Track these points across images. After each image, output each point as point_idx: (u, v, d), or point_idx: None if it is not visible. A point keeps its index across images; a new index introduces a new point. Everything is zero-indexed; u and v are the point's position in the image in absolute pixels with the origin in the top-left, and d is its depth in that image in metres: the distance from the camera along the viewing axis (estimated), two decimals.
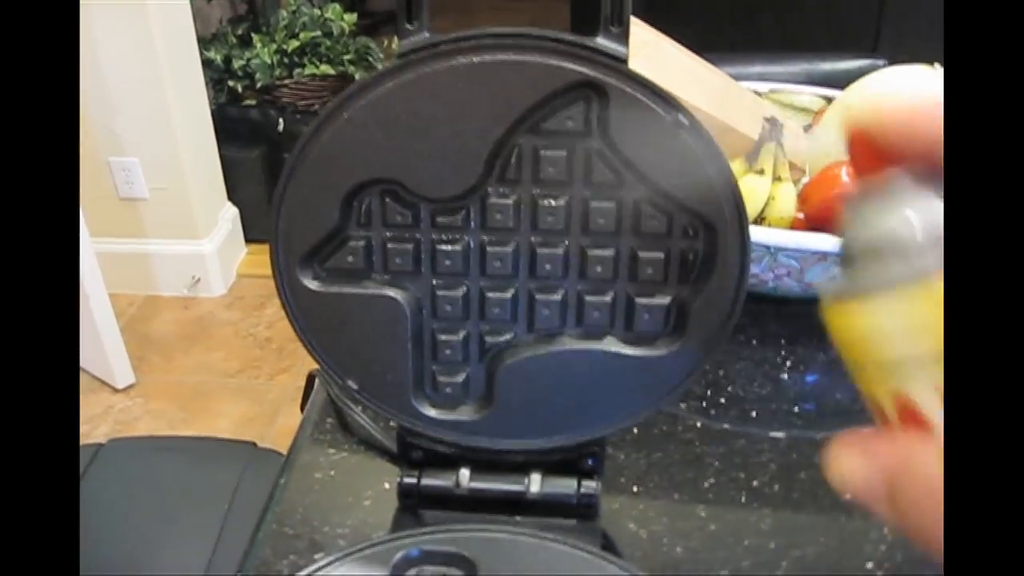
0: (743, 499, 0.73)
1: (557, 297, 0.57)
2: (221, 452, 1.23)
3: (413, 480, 0.62)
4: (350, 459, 0.75)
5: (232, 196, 2.70)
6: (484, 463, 0.62)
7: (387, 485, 0.71)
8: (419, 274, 0.58)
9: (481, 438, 0.61)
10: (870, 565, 0.67)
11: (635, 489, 0.73)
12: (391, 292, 0.57)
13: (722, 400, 0.83)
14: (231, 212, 2.70)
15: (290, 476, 0.74)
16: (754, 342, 0.91)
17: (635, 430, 0.79)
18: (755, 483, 0.74)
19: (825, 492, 0.74)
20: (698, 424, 0.80)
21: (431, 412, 0.61)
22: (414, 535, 0.59)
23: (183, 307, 2.57)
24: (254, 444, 1.22)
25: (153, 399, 2.25)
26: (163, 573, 1.02)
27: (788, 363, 0.89)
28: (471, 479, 0.62)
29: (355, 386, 0.60)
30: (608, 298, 0.57)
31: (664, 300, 0.56)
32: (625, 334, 0.58)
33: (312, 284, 0.57)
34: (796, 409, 0.83)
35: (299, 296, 0.57)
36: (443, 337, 0.59)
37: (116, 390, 2.27)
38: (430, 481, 0.62)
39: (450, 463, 0.62)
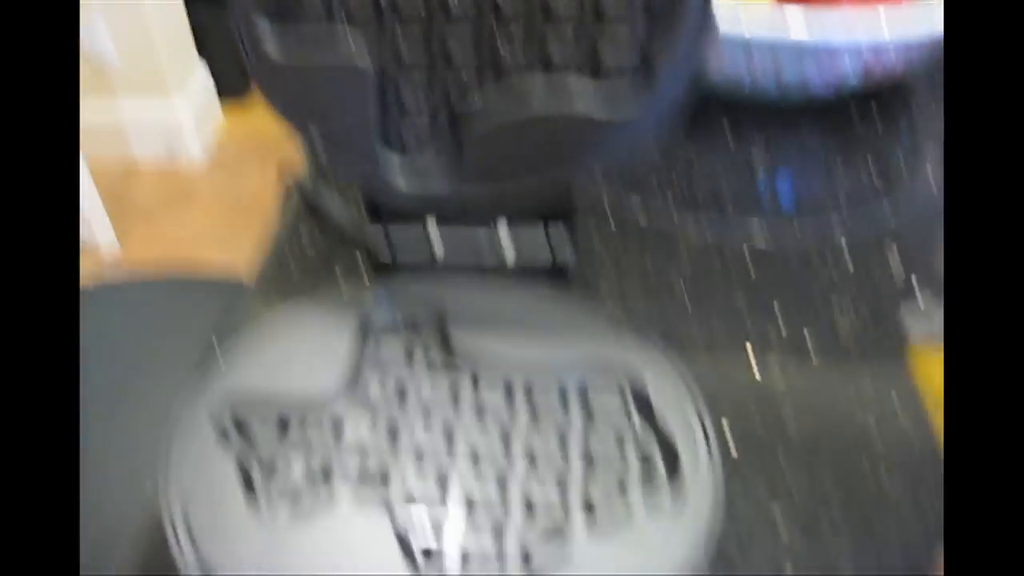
0: (719, 280, 0.73)
1: (520, 34, 0.55)
2: (208, 288, 1.22)
3: (380, 230, 0.62)
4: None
5: (203, 56, 2.63)
6: (448, 216, 0.62)
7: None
8: (380, 22, 0.56)
9: (451, 209, 0.60)
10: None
11: (612, 270, 0.72)
12: (357, 61, 0.55)
13: (696, 197, 0.82)
14: (203, 73, 2.64)
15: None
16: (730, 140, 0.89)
17: (609, 223, 0.77)
18: (733, 264, 0.74)
19: (799, 278, 0.73)
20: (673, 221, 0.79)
21: (400, 183, 0.59)
22: (384, 286, 0.58)
23: (163, 172, 2.53)
24: (242, 282, 1.21)
25: (138, 264, 2.23)
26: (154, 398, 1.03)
27: (764, 165, 0.87)
28: (438, 225, 0.61)
29: (325, 158, 0.58)
30: (571, 34, 0.55)
31: (630, 48, 0.54)
32: (593, 85, 0.56)
33: (277, 54, 0.54)
34: (770, 206, 0.82)
35: (264, 70, 0.55)
36: (408, 101, 0.57)
37: (99, 257, 2.25)
38: (396, 228, 0.62)
39: (416, 218, 0.62)
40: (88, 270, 2.21)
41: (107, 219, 2.23)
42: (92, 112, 2.43)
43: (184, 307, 1.19)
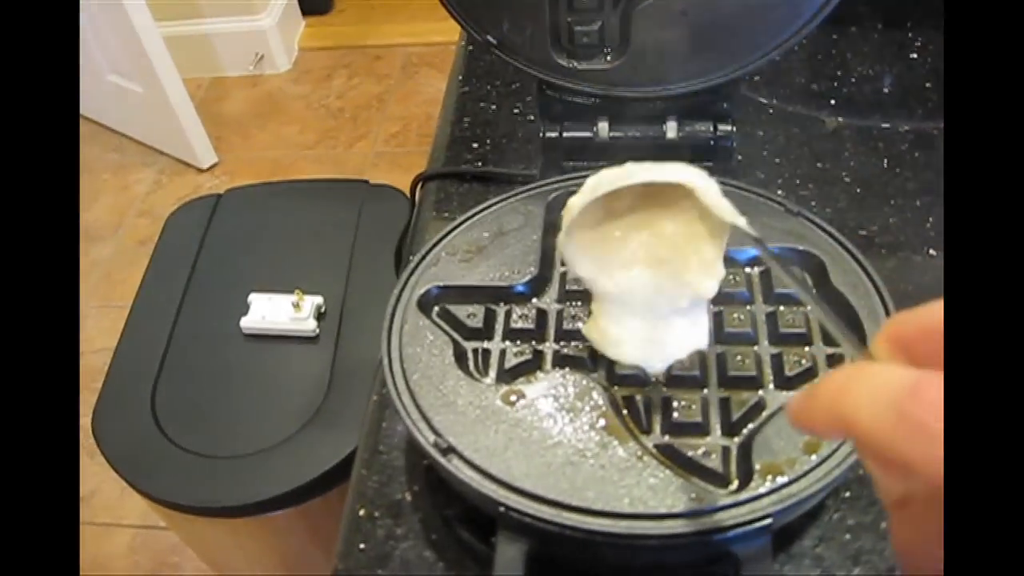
0: (885, 164, 0.75)
1: None
2: (336, 190, 1.27)
3: (555, 133, 0.65)
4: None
5: None
6: (621, 114, 0.65)
7: None
8: None
9: (619, 88, 0.63)
10: None
11: (777, 161, 0.75)
12: None
13: (850, 87, 0.83)
14: None
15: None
16: (879, 26, 0.89)
17: (770, 113, 0.79)
18: (898, 148, 0.76)
19: None
20: (826, 115, 0.80)
21: (569, 63, 0.62)
22: (564, 179, 0.62)
23: (251, 85, 2.58)
24: (366, 181, 1.26)
25: (237, 175, 2.30)
26: (310, 291, 1.09)
27: (916, 44, 0.87)
28: (610, 129, 0.65)
29: (494, 41, 0.61)
30: None
31: None
32: None
33: None
34: (928, 85, 0.83)
35: None
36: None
37: (201, 170, 2.33)
38: (571, 133, 0.65)
39: (589, 116, 0.65)
40: (192, 182, 2.29)
41: (204, 133, 2.30)
42: (182, 31, 2.47)
43: (318, 210, 1.24)
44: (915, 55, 0.85)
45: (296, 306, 1.07)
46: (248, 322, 1.08)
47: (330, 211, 1.22)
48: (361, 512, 0.56)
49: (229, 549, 1.14)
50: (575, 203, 0.48)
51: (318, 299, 1.09)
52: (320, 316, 1.09)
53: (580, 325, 0.54)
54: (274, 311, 1.08)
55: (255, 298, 1.10)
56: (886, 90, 0.83)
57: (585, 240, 0.50)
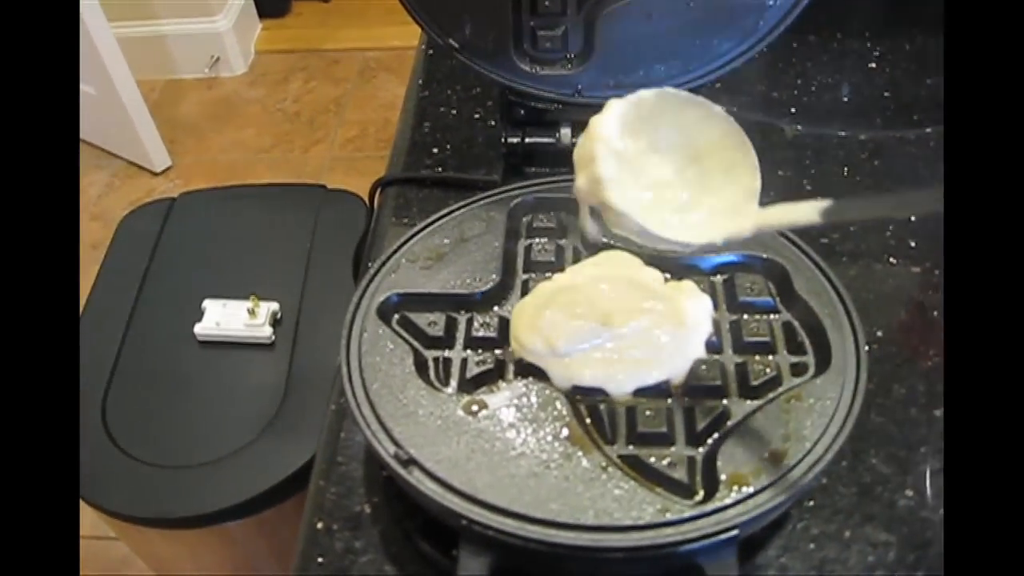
0: (844, 172, 0.75)
1: None
2: (292, 195, 1.25)
3: (517, 139, 0.64)
4: None
5: None
6: (584, 120, 0.64)
7: None
8: None
9: (582, 93, 0.62)
10: None
11: None
12: None
13: (810, 95, 0.83)
14: None
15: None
16: (838, 35, 0.90)
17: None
18: (858, 157, 0.76)
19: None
20: (787, 124, 0.80)
21: (532, 68, 0.62)
22: (526, 185, 0.61)
23: (206, 88, 2.54)
24: (323, 186, 1.24)
25: (192, 179, 2.27)
26: (266, 297, 1.07)
27: (875, 54, 0.87)
28: (572, 136, 0.64)
29: (456, 45, 0.60)
30: None
31: None
32: None
33: None
34: (886, 94, 0.83)
35: None
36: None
37: (155, 174, 2.29)
38: (533, 139, 0.64)
39: (551, 122, 0.64)
40: (145, 185, 2.25)
41: (158, 136, 2.26)
42: (137, 33, 2.43)
43: (275, 215, 1.22)
44: (873, 64, 0.86)
45: (251, 312, 1.05)
46: (202, 328, 1.06)
47: (286, 216, 1.20)
48: (319, 525, 0.54)
49: (182, 560, 1.11)
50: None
51: (274, 305, 1.07)
52: (276, 323, 1.07)
53: None
54: (229, 317, 1.06)
55: (209, 304, 1.07)
56: (845, 99, 0.83)
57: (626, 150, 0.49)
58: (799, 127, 0.81)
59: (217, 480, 0.95)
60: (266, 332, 1.05)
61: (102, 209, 2.19)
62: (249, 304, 1.05)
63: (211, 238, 1.20)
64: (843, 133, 0.79)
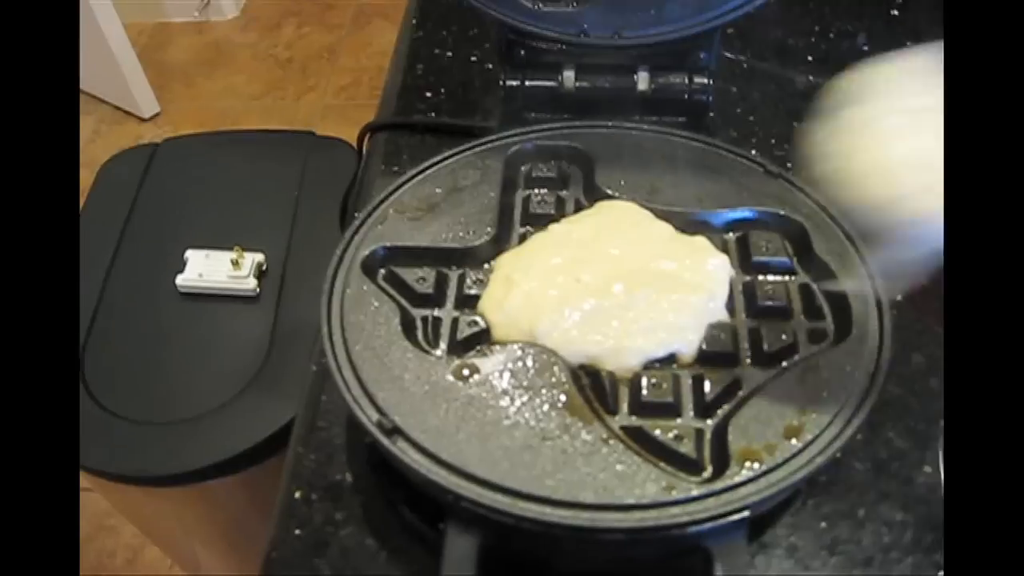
0: None
1: None
2: (280, 142, 1.20)
3: (516, 82, 0.60)
4: None
5: None
6: (589, 63, 0.60)
7: None
8: None
9: (587, 34, 0.58)
10: None
11: (751, 119, 0.70)
12: None
13: (828, 43, 0.78)
14: None
15: None
16: None
17: (744, 68, 0.75)
18: None
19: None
20: (803, 73, 0.76)
21: (534, 5, 0.57)
22: (526, 132, 0.57)
23: (196, 32, 2.47)
24: (313, 132, 1.19)
25: (181, 126, 2.21)
26: (250, 248, 1.02)
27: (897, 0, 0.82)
28: (576, 79, 0.59)
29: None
30: None
31: None
32: None
33: None
34: (908, 44, 0.78)
35: None
36: None
37: (142, 120, 2.23)
38: (534, 82, 0.60)
39: (554, 64, 0.59)
40: (132, 132, 2.19)
41: (146, 81, 2.19)
42: None
43: (261, 163, 1.17)
44: (896, 12, 0.81)
45: (235, 263, 1.01)
46: (184, 280, 1.01)
47: (273, 164, 1.15)
48: (297, 494, 0.51)
49: (164, 518, 1.08)
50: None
51: (259, 256, 1.02)
52: (261, 274, 1.02)
53: None
54: (212, 269, 1.01)
55: (192, 255, 1.03)
56: (865, 48, 0.78)
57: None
58: (811, 77, 0.76)
59: (199, 437, 0.92)
60: (250, 284, 1.00)
61: (88, 157, 2.13)
62: (233, 255, 1.01)
63: (194, 186, 1.15)
64: None
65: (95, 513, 1.55)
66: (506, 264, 0.52)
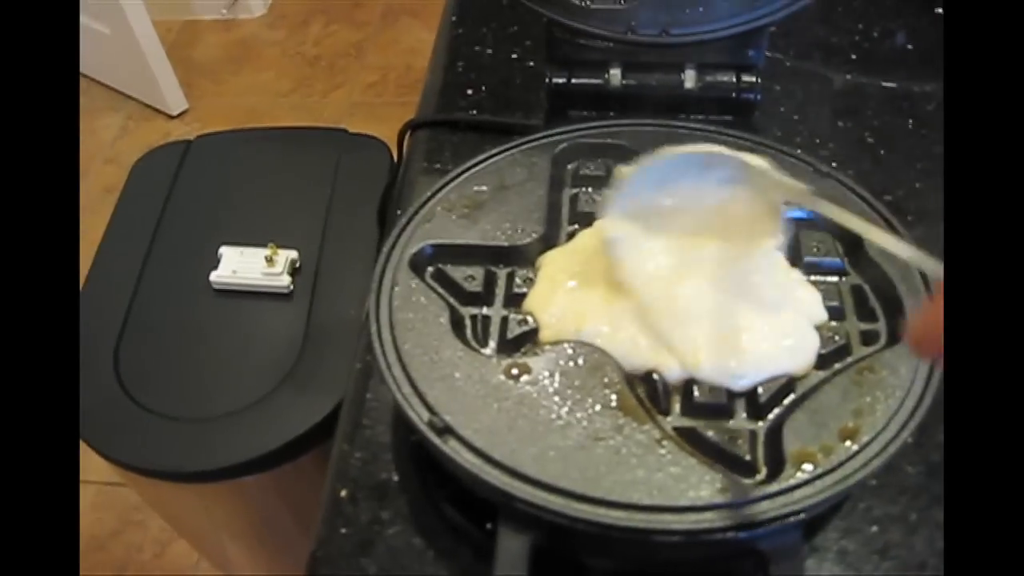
0: (910, 124, 0.70)
1: None
2: (313, 140, 1.20)
3: (563, 80, 0.59)
4: None
5: None
6: (636, 61, 0.59)
7: None
8: None
9: (635, 31, 0.57)
10: None
11: (795, 118, 0.70)
12: None
13: (872, 42, 0.77)
14: None
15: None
16: None
17: (788, 65, 0.74)
18: (924, 109, 0.71)
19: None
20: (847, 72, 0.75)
21: (581, 1, 0.56)
22: (572, 129, 0.56)
23: (224, 29, 2.48)
24: (345, 130, 1.19)
25: (209, 123, 2.21)
26: (284, 245, 1.02)
27: None
28: (623, 77, 0.59)
29: None
30: None
31: None
32: None
33: None
34: None
35: None
36: None
37: (171, 117, 2.24)
38: (580, 80, 0.59)
39: (600, 61, 0.59)
40: (160, 128, 2.20)
41: (175, 79, 2.20)
42: None
43: (295, 160, 1.17)
44: (940, 10, 0.80)
45: (269, 260, 1.01)
46: (218, 276, 1.01)
47: (306, 161, 1.15)
48: (342, 493, 0.50)
49: (195, 513, 1.08)
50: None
51: (292, 253, 1.02)
52: (294, 271, 1.02)
53: None
54: (246, 265, 1.01)
55: (226, 251, 1.03)
56: (909, 46, 0.77)
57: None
58: (848, 76, 0.75)
59: (232, 433, 0.92)
60: (284, 281, 1.00)
61: (117, 152, 2.15)
62: (267, 252, 1.01)
63: (228, 183, 1.15)
64: (910, 84, 0.74)
65: (124, 508, 1.56)
66: (552, 262, 0.51)
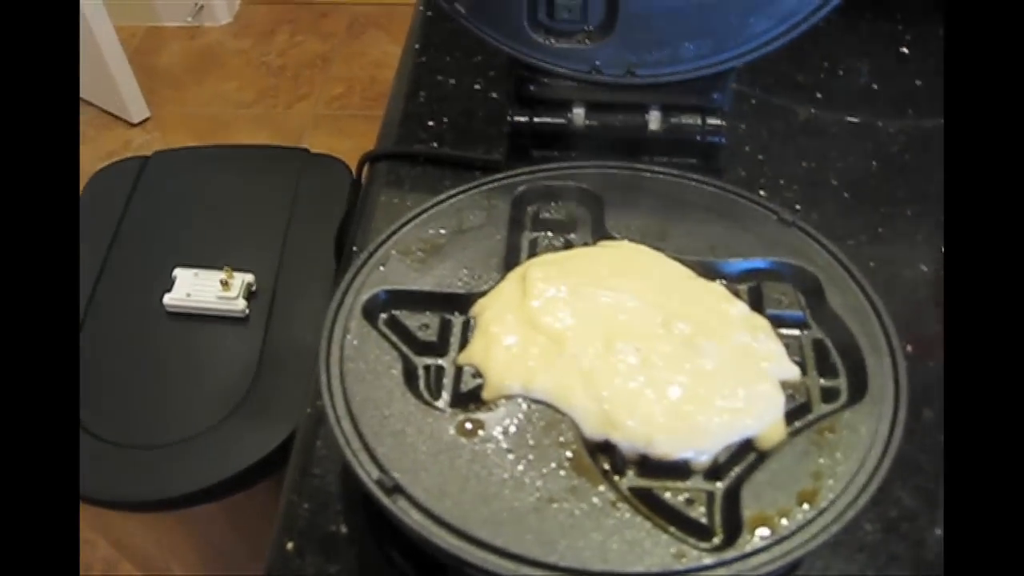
0: (873, 166, 0.69)
1: None
2: (272, 158, 1.17)
3: (525, 118, 0.58)
4: None
5: None
6: (600, 101, 0.58)
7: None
8: None
9: (600, 71, 0.56)
10: None
11: (760, 158, 0.69)
12: None
13: (837, 80, 0.77)
14: None
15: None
16: (867, 15, 0.83)
17: (753, 102, 0.73)
18: (888, 150, 0.70)
19: None
20: (812, 110, 0.74)
21: (546, 40, 0.55)
22: (533, 171, 0.55)
23: (188, 37, 2.44)
24: (306, 150, 1.17)
25: (170, 132, 2.18)
26: (240, 267, 1.00)
27: (907, 38, 0.81)
28: (586, 117, 0.58)
29: (463, 10, 0.54)
30: None
31: None
32: None
33: None
34: (919, 83, 0.77)
35: None
36: None
37: (132, 124, 2.20)
38: (543, 119, 0.58)
39: (564, 100, 0.58)
40: (121, 136, 2.16)
41: (136, 86, 2.17)
42: None
43: (253, 180, 1.15)
44: (905, 49, 0.80)
45: (225, 284, 0.98)
46: (172, 299, 0.99)
47: (265, 181, 1.12)
48: (289, 546, 0.49)
49: (144, 543, 1.06)
50: None
51: (249, 277, 1.00)
52: (250, 295, 1.00)
53: None
54: (200, 288, 0.99)
55: (180, 273, 1.00)
56: (874, 86, 0.77)
57: None
58: (812, 110, 0.75)
59: (184, 462, 0.89)
60: (240, 305, 0.98)
61: None
62: (222, 275, 0.99)
63: (185, 201, 1.12)
64: (876, 122, 0.74)
65: None
66: (484, 310, 0.50)
